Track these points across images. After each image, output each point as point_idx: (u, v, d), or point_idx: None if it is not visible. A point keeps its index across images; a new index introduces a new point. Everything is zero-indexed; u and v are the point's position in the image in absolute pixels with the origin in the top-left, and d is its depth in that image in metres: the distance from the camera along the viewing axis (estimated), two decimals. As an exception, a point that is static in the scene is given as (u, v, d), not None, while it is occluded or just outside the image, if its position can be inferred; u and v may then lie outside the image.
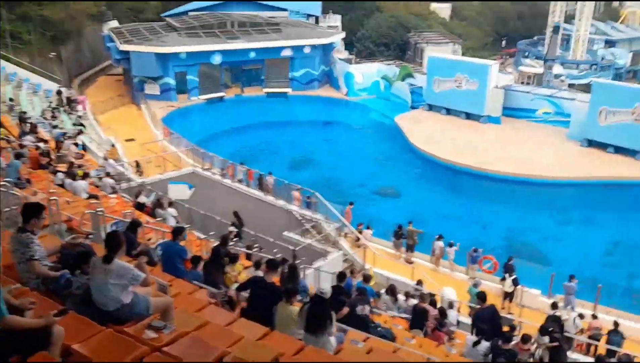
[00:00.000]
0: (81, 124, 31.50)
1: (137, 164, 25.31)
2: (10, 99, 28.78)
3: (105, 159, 22.53)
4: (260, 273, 12.19)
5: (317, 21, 61.22)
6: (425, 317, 10.90)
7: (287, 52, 46.24)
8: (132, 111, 41.43)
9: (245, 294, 8.40)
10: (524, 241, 27.07)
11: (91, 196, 16.73)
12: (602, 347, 16.27)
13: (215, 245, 10.46)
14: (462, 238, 22.52)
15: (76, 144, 24.71)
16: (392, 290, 13.62)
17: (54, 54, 41.44)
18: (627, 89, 33.96)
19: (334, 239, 18.93)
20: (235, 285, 9.11)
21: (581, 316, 17.16)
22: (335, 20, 63.52)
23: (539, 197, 31.28)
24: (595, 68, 61.21)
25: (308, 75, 47.54)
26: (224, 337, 5.74)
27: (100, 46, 49.30)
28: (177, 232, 9.33)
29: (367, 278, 12.31)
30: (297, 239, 18.77)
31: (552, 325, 12.88)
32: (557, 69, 59.88)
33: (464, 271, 21.27)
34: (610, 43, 67.09)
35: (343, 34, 51.79)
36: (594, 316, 17.17)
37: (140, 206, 18.64)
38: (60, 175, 17.28)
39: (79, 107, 35.55)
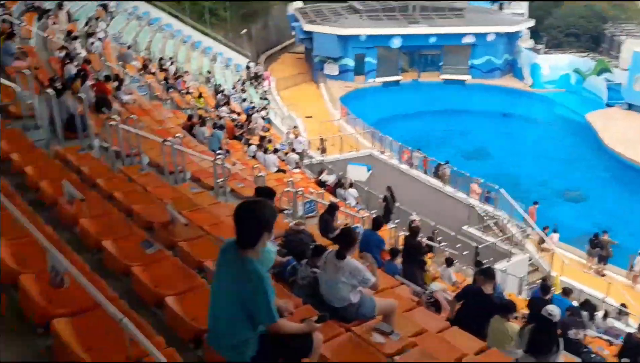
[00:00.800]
0: (266, 99, 33.07)
1: (322, 142, 25.79)
2: (208, 72, 30.98)
3: (296, 136, 23.19)
4: (450, 270, 11.66)
5: (500, 8, 57.86)
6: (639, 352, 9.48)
7: (468, 39, 44.22)
8: (311, 89, 42.63)
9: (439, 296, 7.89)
10: None
11: (279, 170, 17.32)
12: None
13: (409, 237, 9.97)
14: None
15: (263, 118, 25.95)
16: (590, 306, 12.18)
17: (245, 30, 43.92)
18: None
19: (519, 240, 17.59)
20: (435, 284, 8.61)
21: None
22: (521, 7, 59.39)
23: None
24: None
25: (489, 63, 45.10)
26: (445, 350, 5.29)
27: (284, 24, 51.33)
28: (378, 222, 9.00)
29: (567, 292, 11.10)
30: (477, 235, 17.80)
31: None
32: None
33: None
34: None
35: (532, 22, 48.23)
36: None
37: (321, 184, 18.95)
38: (252, 147, 18.09)
39: (265, 82, 37.32)
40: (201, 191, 9.00)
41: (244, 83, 33.46)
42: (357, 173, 21.49)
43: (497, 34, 44.28)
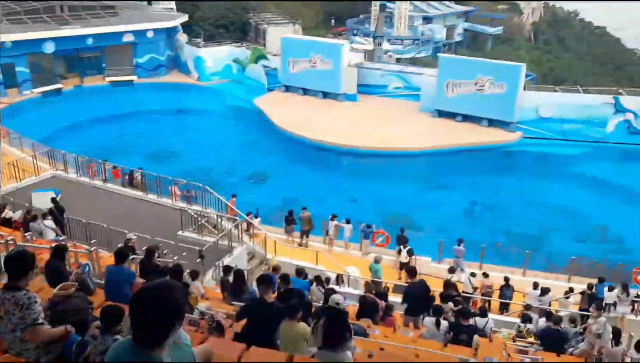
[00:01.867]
0: None
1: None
2: None
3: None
4: (198, 283, 11.28)
5: (149, 3, 57.88)
6: (377, 309, 10.82)
7: (128, 38, 43.16)
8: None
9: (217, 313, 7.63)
10: (394, 211, 28.20)
11: (-51, 219, 14.15)
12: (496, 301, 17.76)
13: (146, 260, 9.24)
14: (340, 213, 22.62)
15: None
16: (318, 280, 13.36)
17: None
18: (469, 62, 36.89)
19: (234, 233, 18.05)
20: (201, 304, 8.20)
21: (473, 275, 18.44)
22: (169, 2, 60.56)
23: (402, 168, 32.96)
24: (417, 43, 65.80)
25: (154, 61, 44.94)
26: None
27: None
28: (124, 255, 8.08)
29: (300, 272, 11.90)
30: (194, 238, 17.67)
31: (451, 290, 13.58)
32: (385, 45, 62.95)
33: (357, 248, 21.74)
34: (427, 19, 72.04)
35: (185, 17, 49.44)
36: (485, 275, 18.49)
37: (7, 223, 16.22)
38: None
39: None
40: None
41: None
42: (46, 201, 19.01)
43: (156, 30, 44.27)
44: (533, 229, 26.56)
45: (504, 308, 17.91)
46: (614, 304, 16.32)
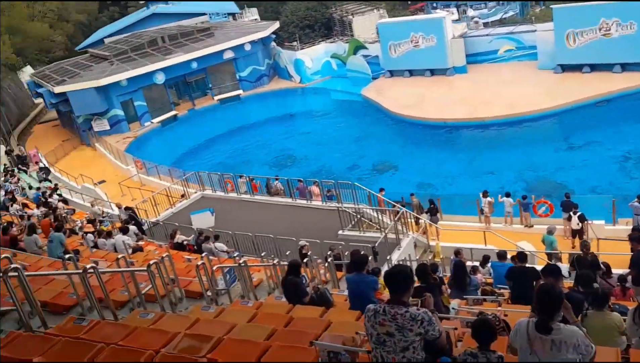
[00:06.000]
0: (47, 179, 28.51)
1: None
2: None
3: (120, 208, 20.06)
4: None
5: (234, 19, 59.10)
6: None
7: (228, 54, 44.01)
8: (86, 153, 38.27)
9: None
10: (539, 178, 26.51)
11: (135, 250, 14.62)
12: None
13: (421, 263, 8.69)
14: (479, 190, 21.39)
15: (64, 201, 22.15)
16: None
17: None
18: (588, 7, 33.93)
19: (399, 225, 17.43)
20: (454, 303, 7.57)
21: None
22: (253, 13, 61.63)
23: (535, 132, 30.86)
24: (502, 3, 61.91)
25: (255, 72, 45.58)
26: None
27: (23, 94, 45.36)
28: (363, 262, 7.57)
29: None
30: (356, 235, 17.30)
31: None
32: (470, 12, 59.99)
33: (518, 222, 20.44)
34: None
35: (277, 24, 49.80)
36: (679, 230, 16.62)
37: (180, 246, 16.66)
38: (90, 236, 15.00)
39: (36, 162, 32.30)
40: (144, 311, 6.62)
41: (12, 171, 28.37)
42: (204, 221, 19.49)
43: (252, 42, 44.77)
44: None
45: None
46: None
